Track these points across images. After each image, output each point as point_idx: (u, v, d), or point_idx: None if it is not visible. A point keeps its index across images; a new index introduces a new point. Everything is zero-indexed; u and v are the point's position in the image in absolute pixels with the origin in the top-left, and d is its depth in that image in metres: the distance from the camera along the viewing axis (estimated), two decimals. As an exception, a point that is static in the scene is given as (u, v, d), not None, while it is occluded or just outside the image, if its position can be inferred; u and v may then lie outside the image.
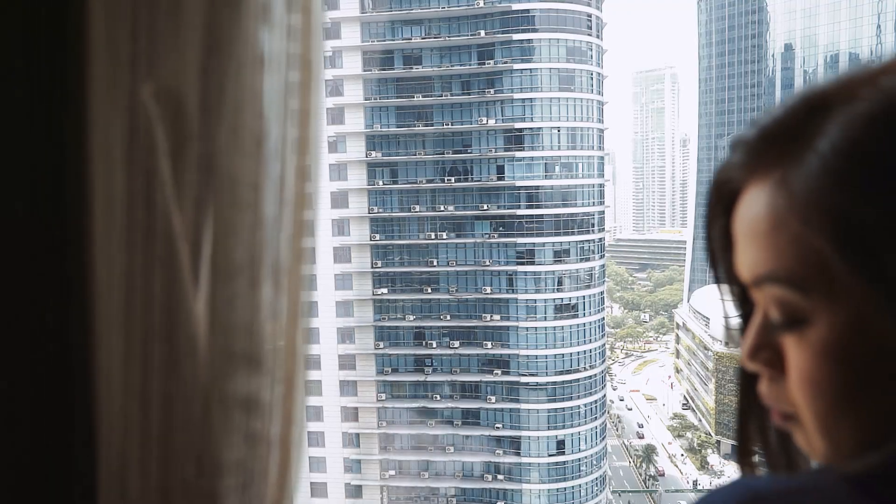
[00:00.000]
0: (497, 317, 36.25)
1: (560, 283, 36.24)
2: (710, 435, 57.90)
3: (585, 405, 36.61)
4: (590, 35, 36.75)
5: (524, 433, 35.37)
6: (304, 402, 0.45)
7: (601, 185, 37.85)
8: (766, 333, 0.45)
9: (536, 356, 36.29)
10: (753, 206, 0.44)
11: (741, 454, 0.53)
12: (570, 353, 36.43)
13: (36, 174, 0.38)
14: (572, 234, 36.23)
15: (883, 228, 0.39)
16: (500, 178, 36.53)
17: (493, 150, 36.50)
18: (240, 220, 0.40)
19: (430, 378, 35.62)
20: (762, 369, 0.46)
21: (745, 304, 0.49)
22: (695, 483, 52.65)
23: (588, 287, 36.79)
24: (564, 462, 35.80)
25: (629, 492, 54.16)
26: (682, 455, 59.32)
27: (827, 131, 0.41)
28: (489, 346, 36.25)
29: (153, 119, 0.39)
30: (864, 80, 0.42)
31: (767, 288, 0.44)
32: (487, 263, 36.25)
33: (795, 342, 0.43)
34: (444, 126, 36.67)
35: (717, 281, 0.51)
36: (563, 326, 36.37)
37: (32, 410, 0.38)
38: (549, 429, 35.73)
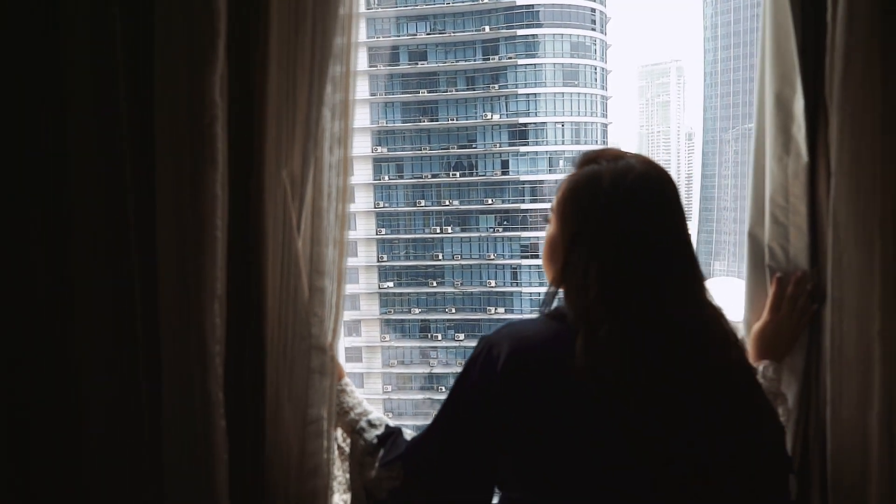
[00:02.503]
0: (501, 310, 36.65)
1: (564, 276, 36.57)
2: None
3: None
4: (594, 30, 36.98)
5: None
6: (344, 290, 1.09)
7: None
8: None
9: (541, 349, 36.60)
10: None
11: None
12: (574, 347, 36.83)
13: (242, 210, 1.01)
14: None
15: (566, 205, 0.97)
16: (504, 173, 36.81)
17: (498, 145, 36.75)
18: (321, 222, 1.03)
19: (435, 370, 36.29)
20: None
21: None
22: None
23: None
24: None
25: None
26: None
27: (581, 170, 1.02)
28: (494, 339, 36.69)
29: (286, 185, 1.02)
30: (602, 155, 1.03)
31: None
32: (492, 257, 36.68)
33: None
34: (450, 121, 36.96)
35: None
36: (567, 320, 36.73)
37: (238, 289, 1.02)
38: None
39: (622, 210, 0.91)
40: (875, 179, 0.93)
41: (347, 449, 1.10)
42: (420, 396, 36.70)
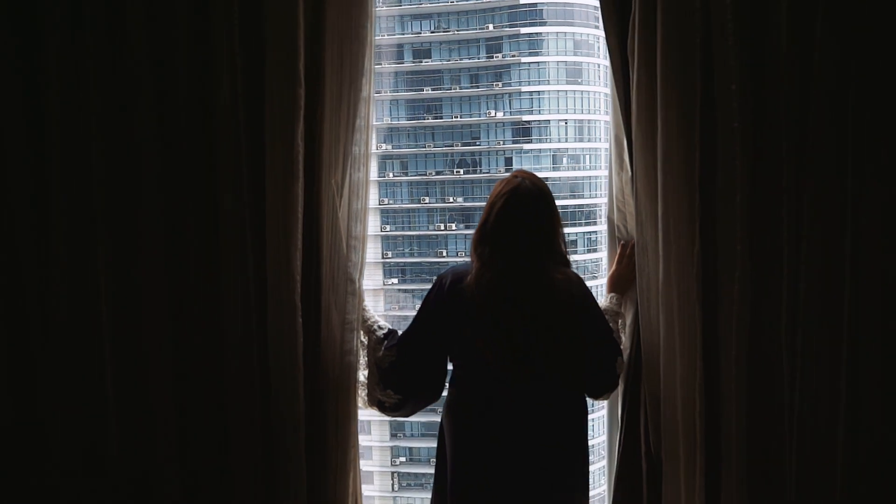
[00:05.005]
0: (504, 305, 37.19)
1: (567, 272, 37.14)
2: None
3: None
4: (597, 28, 37.45)
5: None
6: (367, 248, 1.79)
7: (608, 177, 38.64)
8: None
9: (543, 344, 37.05)
10: None
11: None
12: (577, 342, 37.35)
13: (309, 202, 1.77)
14: (579, 224, 37.03)
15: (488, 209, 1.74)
16: (508, 170, 36.84)
17: (502, 142, 37.29)
18: (353, 208, 1.75)
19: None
20: None
21: None
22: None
23: (595, 277, 37.46)
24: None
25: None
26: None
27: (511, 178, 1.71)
28: (497, 333, 37.25)
29: (333, 187, 1.76)
30: (516, 174, 1.72)
31: None
32: (495, 253, 37.24)
33: None
34: (454, 119, 37.60)
35: None
36: (569, 315, 37.23)
37: (308, 245, 1.76)
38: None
39: (503, 203, 1.62)
40: (656, 184, 1.68)
41: (366, 342, 1.86)
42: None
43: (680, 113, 1.57)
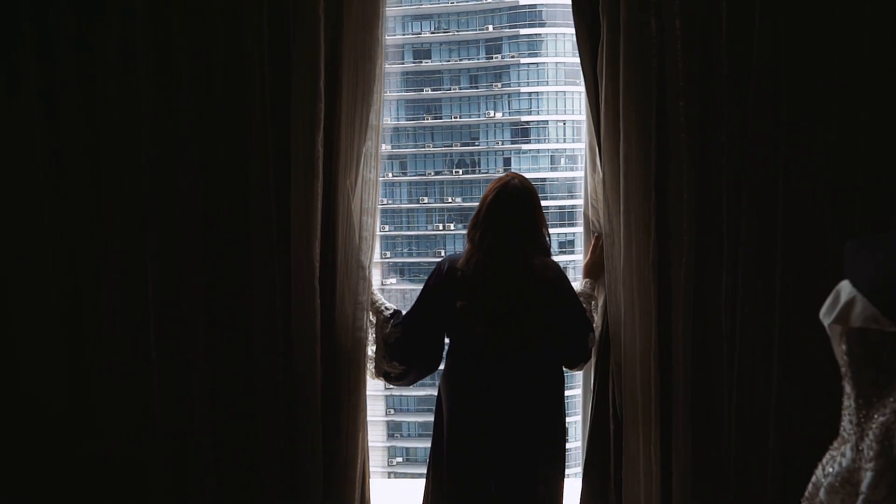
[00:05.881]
0: (503, 306, 37.31)
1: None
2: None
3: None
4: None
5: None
6: (376, 239, 2.07)
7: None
8: None
9: (542, 344, 37.17)
10: None
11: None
12: (575, 341, 37.50)
13: (327, 198, 2.04)
14: (577, 224, 37.01)
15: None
16: (506, 170, 37.49)
17: (500, 142, 37.50)
18: (364, 204, 2.02)
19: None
20: None
21: None
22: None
23: (592, 276, 37.89)
24: (567, 448, 37.37)
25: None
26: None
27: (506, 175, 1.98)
28: (496, 334, 37.40)
29: (348, 186, 2.05)
30: (507, 174, 2.00)
31: None
32: (494, 254, 37.37)
33: None
34: (453, 119, 37.76)
35: None
36: (568, 315, 37.35)
37: (325, 236, 2.08)
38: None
39: (494, 200, 1.87)
40: (620, 181, 1.98)
41: (374, 321, 2.16)
42: (422, 393, 37.54)
43: (639, 124, 1.88)
